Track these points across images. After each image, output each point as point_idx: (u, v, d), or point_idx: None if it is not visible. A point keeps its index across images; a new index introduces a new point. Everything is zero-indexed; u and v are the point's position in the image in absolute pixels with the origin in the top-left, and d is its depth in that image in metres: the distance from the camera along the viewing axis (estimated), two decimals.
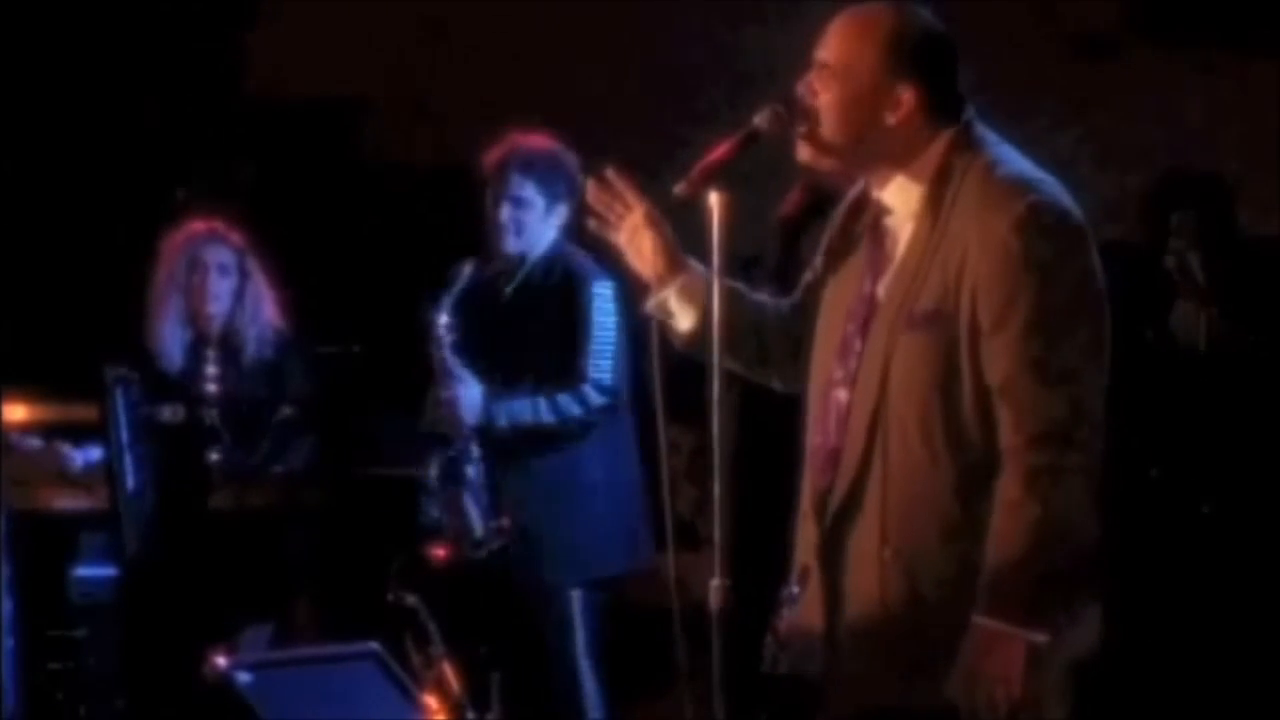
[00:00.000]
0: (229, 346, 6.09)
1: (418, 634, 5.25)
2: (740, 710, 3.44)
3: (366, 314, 7.13)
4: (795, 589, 3.58)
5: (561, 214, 5.63)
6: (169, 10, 8.14)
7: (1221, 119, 7.41)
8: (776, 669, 3.62)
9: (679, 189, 3.51)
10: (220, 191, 7.66)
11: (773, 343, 3.74)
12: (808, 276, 3.75)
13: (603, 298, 5.59)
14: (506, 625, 5.62)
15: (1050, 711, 3.44)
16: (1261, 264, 6.66)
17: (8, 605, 5.97)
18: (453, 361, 5.56)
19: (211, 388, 6.02)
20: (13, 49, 7.66)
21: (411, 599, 5.28)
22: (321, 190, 8.15)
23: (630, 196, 3.66)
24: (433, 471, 5.57)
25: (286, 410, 6.01)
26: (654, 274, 3.66)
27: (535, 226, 5.66)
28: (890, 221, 3.58)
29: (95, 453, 6.17)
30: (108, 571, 6.18)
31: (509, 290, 5.70)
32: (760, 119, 3.55)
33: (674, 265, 3.65)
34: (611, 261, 3.83)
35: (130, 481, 5.95)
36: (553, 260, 5.68)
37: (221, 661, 5.02)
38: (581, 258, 5.60)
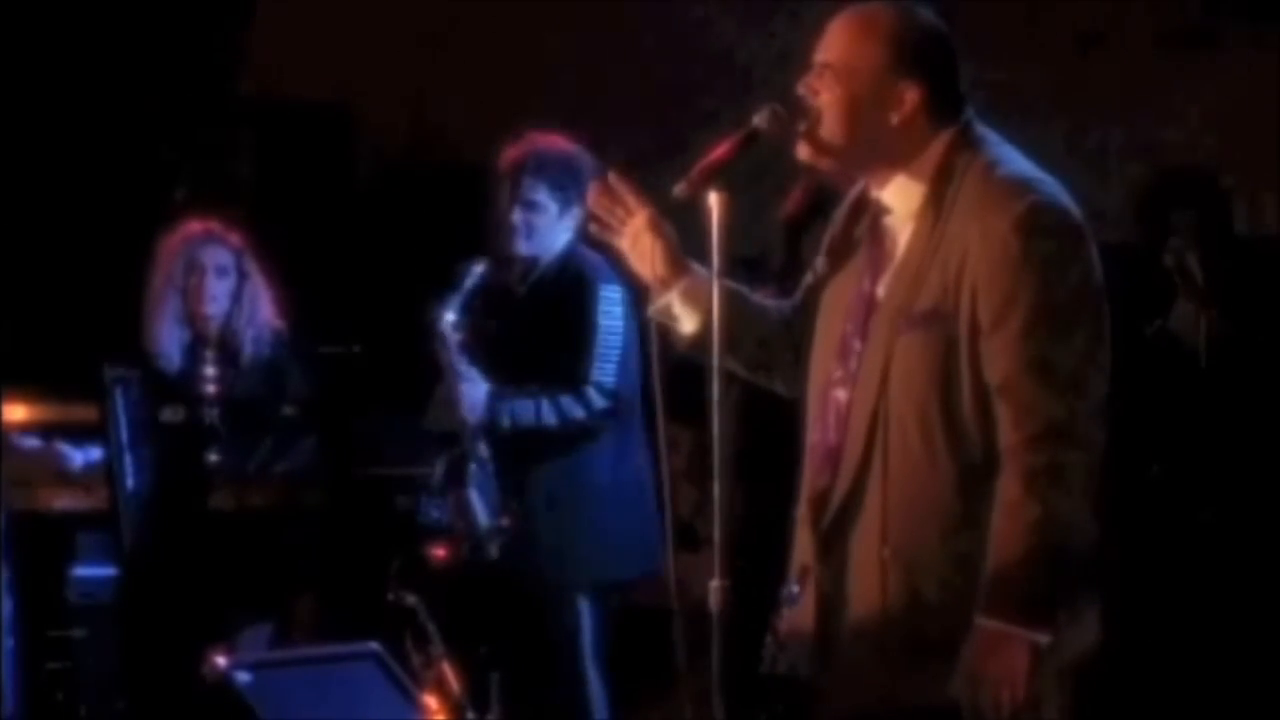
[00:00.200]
0: (227, 347, 6.09)
1: (418, 634, 5.25)
2: (740, 710, 3.44)
3: (366, 314, 7.13)
4: (795, 589, 3.58)
5: (576, 217, 5.59)
6: (168, 10, 8.13)
7: (1222, 119, 7.40)
8: (776, 669, 3.62)
9: (679, 189, 3.51)
10: (219, 192, 7.67)
11: (776, 346, 3.74)
12: (808, 278, 3.75)
13: (610, 301, 5.58)
14: (511, 628, 5.62)
15: (1046, 712, 3.44)
16: (1261, 264, 6.66)
17: (8, 605, 5.97)
18: (459, 360, 5.56)
19: (210, 388, 6.02)
20: (11, 49, 7.66)
21: (411, 599, 5.28)
22: (321, 190, 8.15)
23: (632, 200, 3.65)
24: (439, 470, 5.57)
25: (287, 410, 6.01)
26: (656, 278, 3.65)
27: (547, 229, 5.65)
28: (890, 221, 3.58)
29: (95, 453, 6.17)
30: (107, 571, 6.19)
31: (521, 291, 5.70)
32: (759, 119, 3.55)
33: (677, 269, 3.65)
34: (620, 264, 3.83)
35: (130, 481, 5.95)
36: (566, 262, 5.67)
37: (221, 661, 5.02)
38: (594, 260, 5.58)
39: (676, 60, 8.09)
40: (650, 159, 6.61)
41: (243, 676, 4.97)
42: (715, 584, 3.42)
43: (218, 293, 6.07)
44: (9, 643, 5.97)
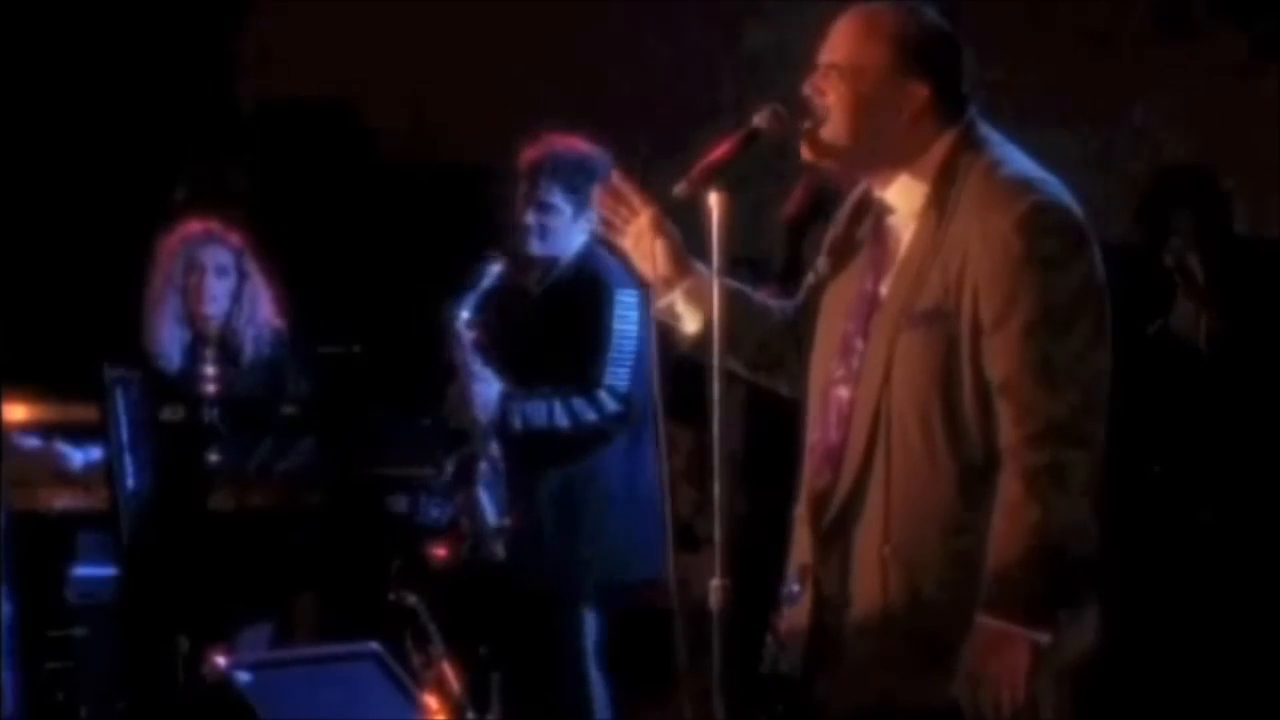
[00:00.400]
0: (227, 347, 6.09)
1: (418, 634, 5.25)
2: (740, 710, 3.44)
3: (366, 314, 7.13)
4: (795, 588, 3.58)
5: (592, 219, 5.58)
6: (166, 10, 8.13)
7: (1222, 119, 7.40)
8: (776, 669, 3.62)
9: (679, 189, 3.51)
10: (219, 192, 7.67)
11: (777, 346, 3.74)
12: (810, 278, 3.75)
13: (626, 305, 5.57)
14: (513, 628, 5.61)
15: (1044, 711, 3.44)
16: (1262, 264, 6.65)
17: (7, 605, 5.96)
18: (472, 359, 5.56)
19: (210, 388, 6.01)
20: (10, 50, 7.66)
21: (411, 599, 5.28)
22: (321, 190, 8.15)
23: (636, 200, 3.65)
24: (449, 468, 5.57)
25: (287, 410, 6.01)
26: (660, 277, 3.66)
27: (562, 231, 5.65)
28: (893, 221, 3.58)
29: (95, 453, 6.16)
30: (107, 571, 6.18)
31: (537, 292, 5.70)
32: (760, 118, 3.55)
33: (680, 268, 3.65)
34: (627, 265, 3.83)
35: (130, 481, 5.95)
36: (582, 265, 5.67)
37: (221, 661, 5.02)
38: (610, 263, 5.56)
39: (676, 60, 8.08)
40: (650, 159, 6.61)
41: (243, 676, 4.97)
42: (715, 583, 3.42)
43: (218, 293, 6.08)
44: (9, 643, 5.96)
